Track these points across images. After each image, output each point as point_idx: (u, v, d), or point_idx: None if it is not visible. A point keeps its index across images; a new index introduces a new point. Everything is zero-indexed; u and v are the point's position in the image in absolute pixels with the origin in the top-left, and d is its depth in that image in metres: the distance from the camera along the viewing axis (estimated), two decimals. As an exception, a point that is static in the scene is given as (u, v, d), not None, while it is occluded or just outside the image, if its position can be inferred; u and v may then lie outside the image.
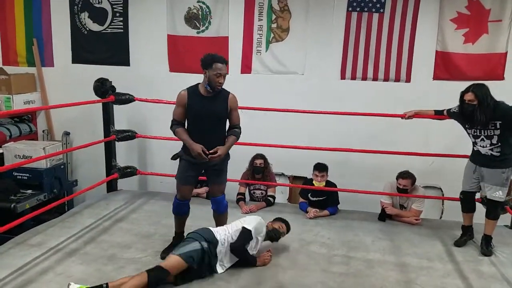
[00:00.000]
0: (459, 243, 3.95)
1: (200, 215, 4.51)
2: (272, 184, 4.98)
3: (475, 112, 3.50)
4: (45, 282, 3.07)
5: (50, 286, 3.02)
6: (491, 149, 3.59)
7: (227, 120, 3.46)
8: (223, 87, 3.33)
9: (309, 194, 4.75)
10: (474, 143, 3.73)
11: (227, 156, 3.50)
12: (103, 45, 5.78)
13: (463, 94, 3.62)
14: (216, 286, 3.10)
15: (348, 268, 3.42)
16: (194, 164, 3.41)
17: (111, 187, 5.22)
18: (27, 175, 5.10)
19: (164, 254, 3.42)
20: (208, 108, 3.30)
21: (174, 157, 3.54)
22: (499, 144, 3.55)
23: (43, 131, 6.20)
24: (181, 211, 3.65)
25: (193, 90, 3.37)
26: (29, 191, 5.04)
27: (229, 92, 3.41)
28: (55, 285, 3.02)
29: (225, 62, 3.30)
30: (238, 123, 3.49)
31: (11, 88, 5.65)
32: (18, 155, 5.06)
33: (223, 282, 3.14)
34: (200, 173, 3.54)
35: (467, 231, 3.98)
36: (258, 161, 4.88)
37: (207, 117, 3.31)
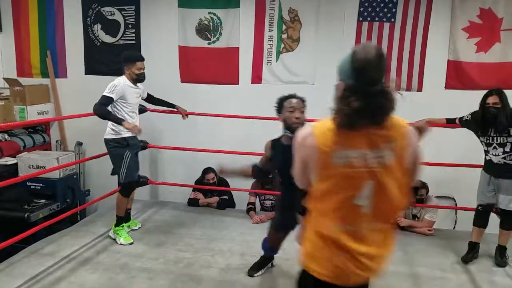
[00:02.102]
0: (466, 259, 3.82)
1: (209, 225, 4.53)
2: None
3: (499, 115, 3.47)
4: (58, 291, 3.10)
5: (63, 295, 3.05)
6: (504, 158, 3.55)
7: None
8: None
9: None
10: (486, 152, 3.69)
11: None
12: (116, 57, 5.82)
13: (486, 97, 3.58)
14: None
15: (360, 279, 3.39)
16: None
17: (123, 196, 5.25)
18: (41, 185, 5.16)
19: (252, 271, 3.45)
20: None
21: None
22: None
23: (56, 141, 6.27)
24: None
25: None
26: (42, 201, 5.09)
27: None
28: (67, 294, 3.05)
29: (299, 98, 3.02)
30: None
31: (26, 99, 5.72)
32: (32, 165, 5.11)
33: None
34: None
35: (474, 248, 3.86)
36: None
37: None
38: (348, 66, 1.64)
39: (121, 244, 3.98)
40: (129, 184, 4.09)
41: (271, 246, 3.38)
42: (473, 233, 3.87)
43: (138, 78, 4.03)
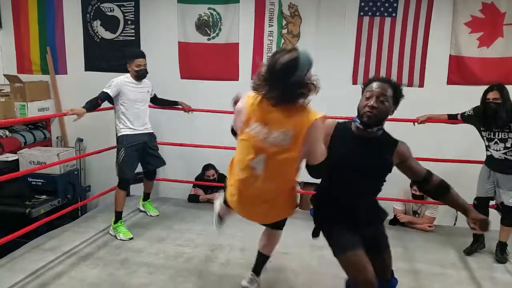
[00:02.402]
0: (468, 251, 3.87)
1: (210, 220, 4.52)
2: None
3: (499, 110, 3.47)
4: (59, 286, 3.12)
5: (64, 290, 3.05)
6: (505, 153, 3.55)
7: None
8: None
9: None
10: (488, 147, 3.69)
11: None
12: (115, 53, 5.84)
13: (486, 92, 3.59)
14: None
15: (360, 274, 3.39)
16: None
17: (124, 192, 5.25)
18: (42, 180, 5.17)
19: None
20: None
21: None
22: None
23: (57, 137, 6.27)
24: None
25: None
26: (44, 197, 5.09)
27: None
28: (68, 289, 3.05)
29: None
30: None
31: (26, 95, 5.72)
32: (33, 161, 5.12)
33: (233, 284, 3.14)
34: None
35: (478, 239, 3.90)
36: None
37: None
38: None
39: (121, 240, 3.99)
40: (122, 179, 4.19)
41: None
42: None
43: (138, 75, 4.11)
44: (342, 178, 2.29)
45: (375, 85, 2.21)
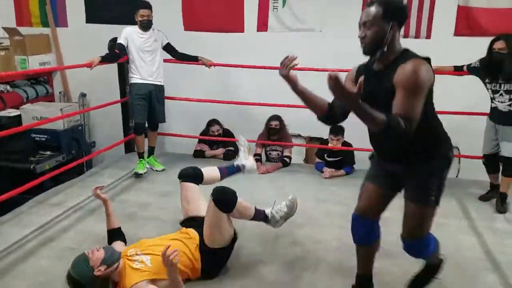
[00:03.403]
0: (484, 198, 4.00)
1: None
2: (288, 144, 4.98)
3: (504, 61, 3.42)
4: (65, 239, 3.18)
5: (71, 242, 3.12)
6: (510, 105, 3.53)
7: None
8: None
9: (326, 155, 4.73)
10: (492, 99, 3.66)
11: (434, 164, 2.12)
12: (117, 4, 5.68)
13: (492, 42, 3.53)
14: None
15: (364, 226, 3.44)
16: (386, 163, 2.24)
17: (129, 147, 5.27)
18: (45, 136, 5.16)
19: None
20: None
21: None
22: None
23: (60, 92, 6.24)
24: (357, 237, 2.43)
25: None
26: (48, 153, 5.11)
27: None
28: (75, 242, 3.12)
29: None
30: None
31: (26, 49, 5.64)
32: (36, 117, 5.10)
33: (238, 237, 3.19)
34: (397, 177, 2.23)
35: (494, 188, 3.98)
36: (274, 123, 4.87)
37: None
38: None
39: (135, 173, 4.44)
40: (135, 124, 4.56)
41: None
42: (490, 178, 4.03)
43: (141, 25, 4.28)
44: None
45: (361, 14, 2.05)
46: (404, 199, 2.19)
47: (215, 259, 2.64)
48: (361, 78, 1.72)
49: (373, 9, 1.99)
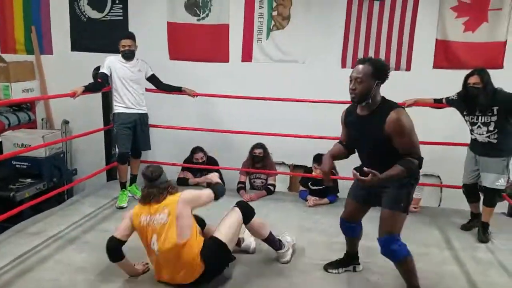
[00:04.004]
0: (466, 227, 4.02)
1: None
2: (272, 172, 4.99)
3: (479, 95, 3.51)
4: (44, 270, 3.09)
5: (50, 274, 3.03)
6: (488, 136, 3.61)
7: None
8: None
9: (309, 183, 4.76)
10: (471, 131, 3.75)
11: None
12: (103, 33, 5.74)
13: (467, 77, 3.62)
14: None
15: (347, 256, 3.44)
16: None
17: (111, 175, 5.22)
18: (26, 163, 5.09)
19: (329, 266, 3.21)
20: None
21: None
22: (496, 130, 3.57)
23: (42, 119, 6.18)
24: (345, 233, 3.14)
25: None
26: (29, 180, 5.04)
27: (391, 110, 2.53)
28: (54, 273, 3.04)
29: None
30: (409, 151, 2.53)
31: (10, 76, 5.61)
32: (17, 144, 5.05)
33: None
34: (376, 193, 2.74)
35: (475, 218, 4.01)
36: (257, 151, 4.90)
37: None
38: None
39: (118, 207, 4.35)
40: (118, 153, 4.47)
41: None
42: (470, 208, 4.07)
43: (123, 55, 4.30)
44: (358, 151, 2.82)
45: (353, 70, 2.58)
46: (380, 209, 2.70)
47: (216, 255, 2.87)
48: (365, 169, 2.43)
49: (364, 67, 2.53)
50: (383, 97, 2.62)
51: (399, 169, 2.44)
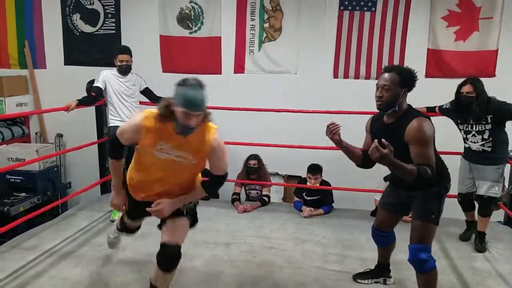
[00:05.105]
0: (464, 237, 4.01)
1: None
2: (266, 183, 4.99)
3: (472, 104, 3.53)
4: (39, 285, 3.06)
5: (45, 289, 3.01)
6: (482, 145, 3.62)
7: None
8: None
9: (304, 193, 4.76)
10: (465, 139, 3.76)
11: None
12: (96, 47, 5.77)
13: (460, 86, 3.64)
14: (209, 285, 3.11)
15: (343, 267, 3.43)
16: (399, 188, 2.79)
17: (105, 189, 5.20)
18: (20, 178, 5.07)
19: (358, 276, 3.22)
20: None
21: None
22: (490, 139, 3.59)
23: (36, 133, 6.17)
24: (377, 242, 3.15)
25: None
26: (23, 194, 5.01)
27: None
28: (49, 288, 3.01)
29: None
30: None
31: (3, 90, 5.62)
32: (11, 158, 5.03)
33: (217, 281, 3.14)
34: (405, 202, 2.80)
35: (471, 225, 4.02)
36: (252, 162, 4.90)
37: None
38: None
39: (112, 220, 4.23)
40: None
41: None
42: (466, 216, 4.08)
43: (120, 69, 4.31)
44: None
45: (380, 78, 2.58)
46: (411, 218, 2.71)
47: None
48: (384, 141, 2.23)
49: (391, 75, 2.53)
50: (409, 105, 2.63)
51: (412, 168, 2.34)
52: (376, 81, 2.61)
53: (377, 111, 2.67)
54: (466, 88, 3.58)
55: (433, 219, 2.63)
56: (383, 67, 2.76)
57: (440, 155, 4.19)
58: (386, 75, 2.54)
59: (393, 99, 2.53)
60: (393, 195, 2.88)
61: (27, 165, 4.67)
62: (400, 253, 3.70)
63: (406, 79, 2.54)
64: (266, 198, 4.91)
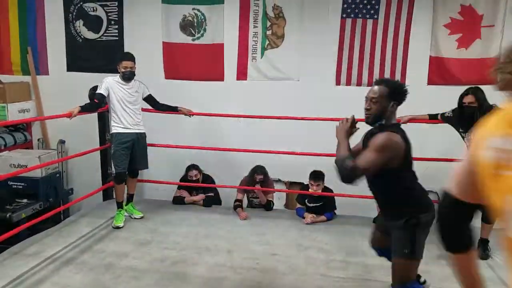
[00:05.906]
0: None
1: (195, 223, 4.52)
2: (269, 190, 4.98)
3: (475, 114, 3.53)
4: (42, 292, 3.06)
5: (47, 296, 3.01)
6: None
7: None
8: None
9: (306, 200, 4.75)
10: (468, 147, 3.75)
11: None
12: (98, 53, 5.78)
13: (462, 97, 3.64)
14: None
15: (346, 273, 3.43)
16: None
17: (107, 195, 5.21)
18: (23, 184, 5.07)
19: None
20: None
21: None
22: None
23: (38, 139, 6.18)
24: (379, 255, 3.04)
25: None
26: (25, 201, 5.00)
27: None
28: (52, 295, 3.01)
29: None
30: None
31: (6, 97, 5.62)
32: (13, 164, 5.03)
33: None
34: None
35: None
36: (259, 177, 4.85)
37: None
38: None
39: (115, 227, 4.31)
40: (116, 173, 4.46)
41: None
42: None
43: (123, 76, 4.32)
44: None
45: (369, 90, 2.53)
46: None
47: None
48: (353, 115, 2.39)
49: (380, 88, 2.48)
50: (398, 122, 2.61)
51: (343, 155, 2.41)
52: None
53: None
54: (468, 99, 3.58)
55: (406, 254, 2.46)
56: (376, 79, 2.79)
57: (443, 162, 4.18)
58: (376, 87, 2.50)
59: (381, 112, 2.48)
60: (382, 218, 2.82)
61: (29, 172, 4.67)
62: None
63: (395, 92, 2.49)
64: (269, 203, 4.91)
